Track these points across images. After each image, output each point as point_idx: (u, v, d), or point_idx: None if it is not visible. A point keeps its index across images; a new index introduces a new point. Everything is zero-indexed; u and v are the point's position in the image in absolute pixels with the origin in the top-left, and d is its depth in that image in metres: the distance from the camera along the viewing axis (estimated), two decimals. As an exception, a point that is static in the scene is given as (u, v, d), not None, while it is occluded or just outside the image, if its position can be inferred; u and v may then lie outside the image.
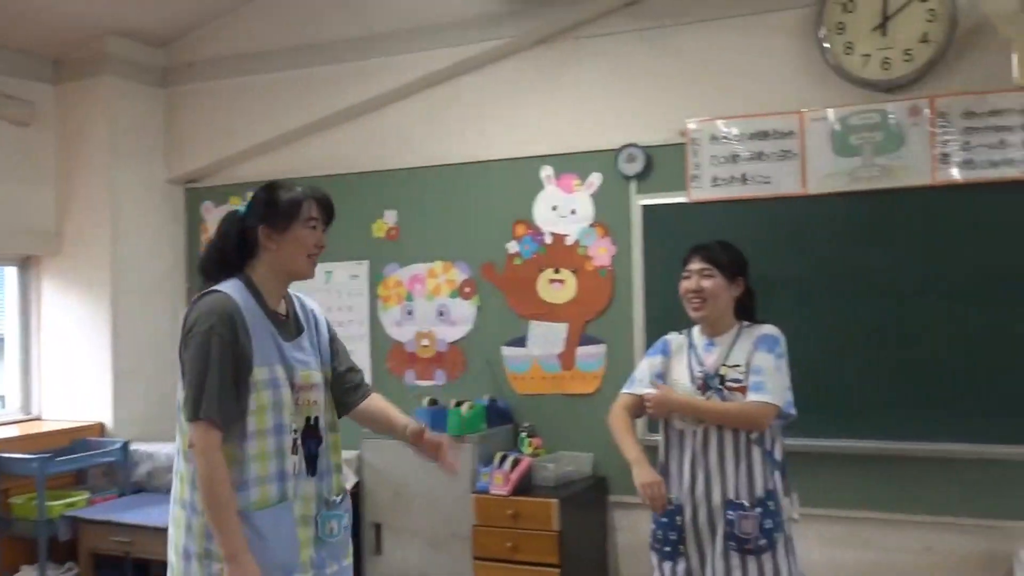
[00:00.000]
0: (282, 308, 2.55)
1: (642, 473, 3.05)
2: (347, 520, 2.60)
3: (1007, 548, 3.77)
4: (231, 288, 2.43)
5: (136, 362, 5.21)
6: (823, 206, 4.02)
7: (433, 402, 4.49)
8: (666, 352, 3.22)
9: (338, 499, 2.58)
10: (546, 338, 4.59)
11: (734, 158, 4.17)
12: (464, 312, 4.77)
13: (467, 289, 4.76)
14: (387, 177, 4.90)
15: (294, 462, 2.45)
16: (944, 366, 3.83)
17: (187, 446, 2.37)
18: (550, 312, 4.57)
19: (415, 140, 4.90)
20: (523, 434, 4.48)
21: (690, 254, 3.17)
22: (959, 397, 3.81)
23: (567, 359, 4.54)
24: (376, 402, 2.74)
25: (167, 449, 4.90)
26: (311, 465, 2.51)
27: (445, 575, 4.25)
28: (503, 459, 4.23)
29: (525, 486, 4.20)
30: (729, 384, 3.04)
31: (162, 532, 4.11)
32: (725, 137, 4.19)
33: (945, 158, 3.83)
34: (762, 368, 3.01)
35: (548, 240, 4.58)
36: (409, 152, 4.90)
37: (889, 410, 3.91)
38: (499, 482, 4.15)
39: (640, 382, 3.21)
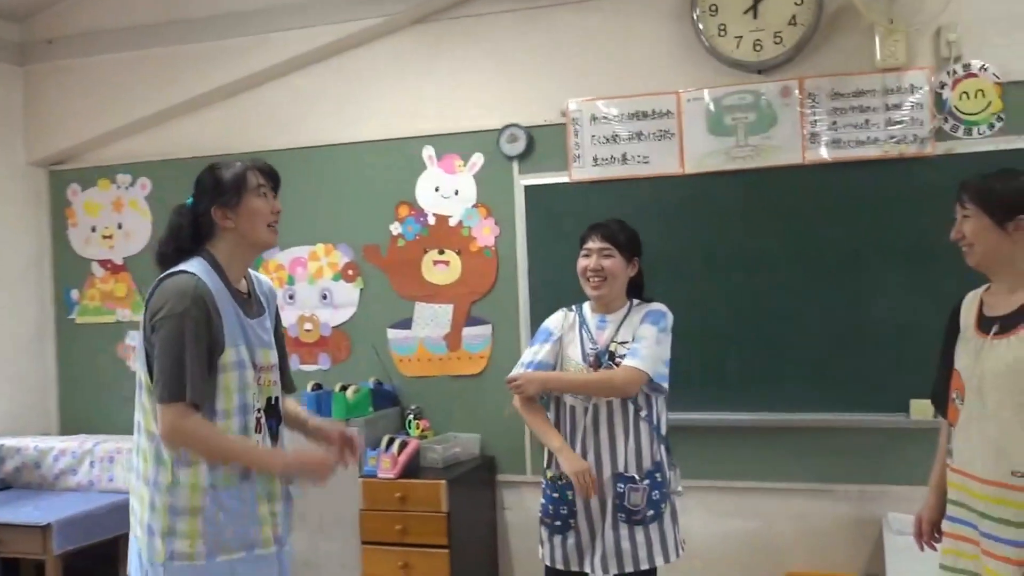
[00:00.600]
0: (243, 286, 2.56)
1: (571, 461, 3.08)
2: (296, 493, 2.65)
3: (877, 511, 3.95)
4: (197, 268, 2.44)
5: (0, 354, 4.97)
6: (700, 185, 4.11)
7: (318, 386, 4.43)
8: (549, 339, 3.26)
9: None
10: (431, 320, 4.57)
11: (614, 138, 4.22)
12: (347, 295, 4.70)
13: (350, 272, 4.69)
14: (265, 158, 4.76)
15: (258, 441, 2.49)
16: (816, 339, 3.98)
17: (160, 430, 2.36)
18: (435, 294, 4.56)
19: (293, 120, 4.79)
20: (410, 416, 4.46)
21: (589, 232, 3.21)
22: (830, 369, 3.96)
23: (453, 340, 4.53)
24: (289, 403, 2.75)
25: (37, 443, 4.69)
26: (274, 443, 2.57)
27: (333, 560, 4.21)
28: (390, 442, 4.20)
29: (413, 469, 4.18)
30: (618, 360, 3.11)
31: (31, 530, 4.01)
32: (605, 117, 4.23)
33: (814, 138, 3.96)
34: (643, 337, 3.10)
35: (431, 221, 4.55)
36: (287, 133, 4.78)
37: (764, 383, 4.04)
38: (387, 466, 4.12)
39: (530, 365, 3.23)
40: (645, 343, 3.08)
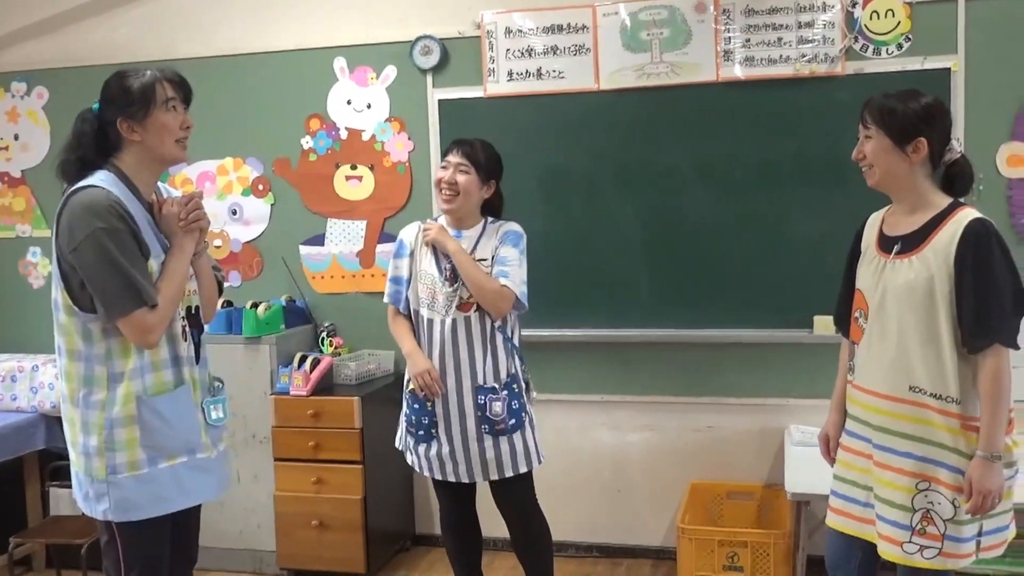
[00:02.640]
0: (154, 199, 2.52)
1: (415, 363, 3.23)
2: (228, 405, 2.69)
3: (779, 423, 4.08)
4: (104, 181, 2.37)
5: None
6: (615, 101, 4.08)
7: (228, 303, 4.35)
8: (402, 254, 3.34)
9: (220, 385, 2.69)
10: (345, 236, 4.51)
11: (529, 52, 4.15)
12: (258, 210, 4.60)
13: (260, 187, 4.58)
14: (172, 67, 4.59)
15: (184, 348, 2.50)
16: (725, 256, 4.03)
17: (135, 340, 2.36)
18: (348, 209, 4.48)
19: (202, 28, 4.59)
20: (323, 334, 4.43)
21: (451, 146, 3.28)
22: (739, 286, 4.02)
23: (367, 257, 4.49)
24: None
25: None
26: (197, 353, 2.58)
27: (246, 477, 4.20)
28: (303, 360, 4.17)
29: (327, 385, 4.18)
30: None
31: None
32: (520, 30, 4.16)
33: (728, 55, 3.96)
34: (507, 259, 3.20)
35: (343, 135, 4.45)
36: (195, 41, 4.58)
37: (674, 300, 4.10)
38: (299, 383, 4.09)
39: (394, 285, 3.36)
40: (511, 265, 3.19)
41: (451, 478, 3.28)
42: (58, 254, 2.37)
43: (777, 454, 4.08)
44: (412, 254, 3.31)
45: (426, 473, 3.35)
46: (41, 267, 4.86)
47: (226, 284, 4.54)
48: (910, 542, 2.45)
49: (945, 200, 2.49)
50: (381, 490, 4.21)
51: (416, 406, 3.28)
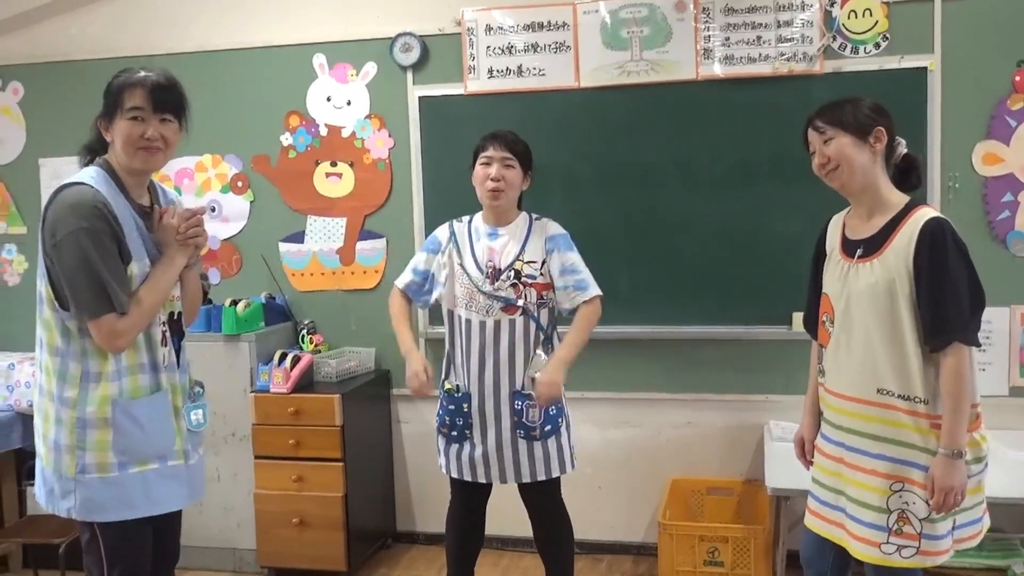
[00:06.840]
0: (146, 200, 2.48)
1: (411, 362, 3.20)
2: (208, 410, 2.67)
3: (759, 419, 4.11)
4: (92, 178, 2.34)
5: None
6: (595, 99, 4.09)
7: (208, 301, 4.32)
8: (435, 250, 3.29)
9: (200, 390, 2.67)
10: (324, 233, 4.50)
11: (510, 49, 4.15)
12: (237, 207, 4.58)
13: (239, 183, 4.56)
14: (148, 63, 4.54)
15: (164, 354, 2.48)
16: (705, 253, 4.06)
17: (102, 343, 2.33)
18: (328, 207, 4.47)
19: (180, 24, 4.56)
20: (303, 331, 4.42)
21: (488, 141, 3.18)
22: (718, 283, 4.05)
23: (347, 254, 4.48)
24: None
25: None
26: (178, 359, 2.56)
27: (226, 475, 4.19)
28: (283, 357, 4.15)
29: (307, 383, 4.17)
30: (525, 280, 3.15)
31: None
32: (501, 28, 4.15)
33: (707, 53, 3.97)
34: (576, 267, 3.18)
35: (323, 132, 4.44)
36: (173, 37, 4.55)
37: (654, 296, 4.12)
38: (279, 380, 4.08)
39: (411, 276, 3.33)
40: (582, 271, 3.18)
41: (482, 480, 3.21)
42: (42, 248, 2.36)
43: (756, 450, 4.11)
44: (446, 253, 3.25)
45: (455, 474, 3.26)
46: (16, 264, 4.82)
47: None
48: (888, 543, 2.46)
49: (902, 199, 2.51)
50: (362, 488, 4.20)
51: (452, 407, 3.20)
